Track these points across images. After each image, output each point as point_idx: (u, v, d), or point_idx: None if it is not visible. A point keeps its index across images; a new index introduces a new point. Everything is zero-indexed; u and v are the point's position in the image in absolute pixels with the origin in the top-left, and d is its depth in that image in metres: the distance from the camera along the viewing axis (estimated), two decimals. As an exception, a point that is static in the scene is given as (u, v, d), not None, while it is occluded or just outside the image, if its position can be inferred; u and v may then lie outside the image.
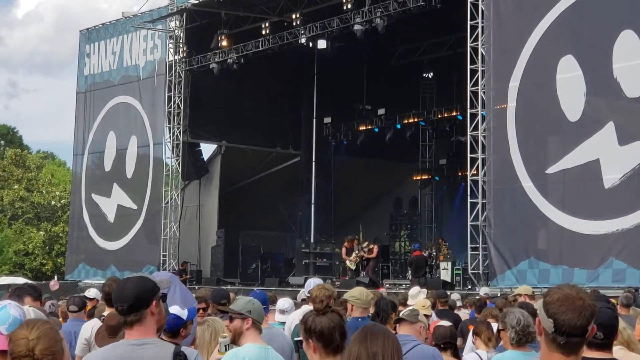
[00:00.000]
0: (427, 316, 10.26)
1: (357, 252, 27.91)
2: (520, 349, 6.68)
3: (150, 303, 4.41)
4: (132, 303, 4.39)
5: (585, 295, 3.62)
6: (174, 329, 6.36)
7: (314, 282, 9.73)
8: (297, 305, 11.62)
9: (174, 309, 6.38)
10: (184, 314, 6.46)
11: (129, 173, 34.01)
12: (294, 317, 9.38)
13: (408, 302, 12.33)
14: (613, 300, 5.44)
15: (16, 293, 7.00)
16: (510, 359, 6.73)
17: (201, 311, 9.29)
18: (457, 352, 8.35)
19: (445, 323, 9.02)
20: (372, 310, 9.33)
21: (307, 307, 9.43)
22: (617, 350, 5.34)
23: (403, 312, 7.69)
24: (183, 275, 29.62)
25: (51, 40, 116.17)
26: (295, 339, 5.07)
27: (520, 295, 12.69)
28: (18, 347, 3.67)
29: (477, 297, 14.27)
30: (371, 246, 28.17)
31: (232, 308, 6.24)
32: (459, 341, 10.16)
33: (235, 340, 6.28)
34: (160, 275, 6.80)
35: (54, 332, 3.76)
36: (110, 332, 6.67)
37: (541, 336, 3.66)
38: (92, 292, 11.74)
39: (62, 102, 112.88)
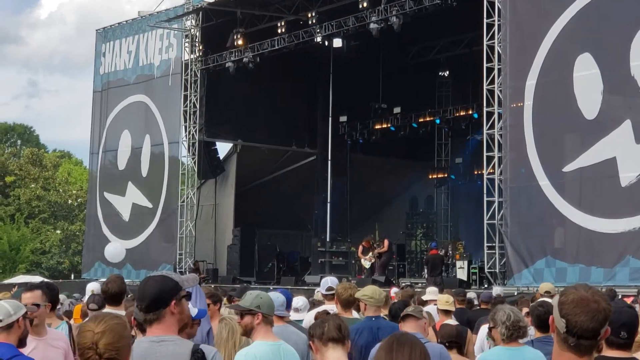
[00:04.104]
0: (449, 312, 10.23)
1: (372, 251, 28.06)
2: (510, 345, 6.64)
3: (169, 303, 4.41)
4: (150, 303, 4.40)
5: (601, 298, 3.57)
6: None
7: (331, 280, 9.69)
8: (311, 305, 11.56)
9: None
10: (193, 311, 6.47)
11: (144, 172, 34.09)
12: (313, 317, 9.29)
13: (425, 298, 12.33)
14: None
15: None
16: (494, 356, 6.71)
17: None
18: (462, 351, 8.34)
19: (453, 322, 9.02)
20: (385, 310, 9.30)
21: (328, 306, 9.39)
22: None
23: (408, 308, 7.70)
24: (197, 275, 29.63)
25: (72, 40, 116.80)
26: None
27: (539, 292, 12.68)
28: (83, 339, 3.66)
29: (495, 296, 14.23)
30: (383, 239, 28.40)
31: (240, 304, 6.24)
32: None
33: (247, 336, 6.28)
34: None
35: (122, 329, 3.73)
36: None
37: (554, 333, 3.63)
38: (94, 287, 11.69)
39: (80, 101, 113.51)
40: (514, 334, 6.62)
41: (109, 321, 3.69)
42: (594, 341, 3.56)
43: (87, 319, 4.35)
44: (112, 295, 7.68)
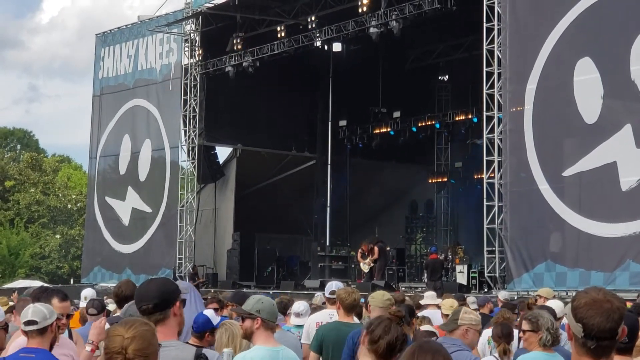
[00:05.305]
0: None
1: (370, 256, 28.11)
2: (545, 350, 6.71)
3: (174, 303, 4.44)
4: (158, 302, 4.41)
5: (613, 297, 3.57)
6: (202, 331, 6.39)
7: (336, 284, 9.65)
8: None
9: (208, 312, 6.41)
10: (215, 319, 6.51)
11: (142, 176, 34.07)
12: (314, 320, 9.26)
13: (422, 302, 12.31)
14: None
15: (43, 296, 6.99)
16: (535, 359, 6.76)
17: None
18: None
19: (430, 328, 9.06)
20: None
21: (329, 310, 9.37)
22: None
23: (445, 322, 7.68)
24: (196, 279, 29.63)
25: (73, 45, 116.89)
26: None
27: (540, 297, 12.65)
28: (112, 344, 3.65)
29: (504, 301, 14.32)
30: (371, 246, 28.23)
31: (242, 308, 6.26)
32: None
33: (248, 340, 6.30)
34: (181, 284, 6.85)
35: (151, 335, 3.70)
36: None
37: (571, 341, 3.60)
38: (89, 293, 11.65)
39: (80, 106, 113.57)
40: (554, 341, 6.71)
41: (139, 327, 3.67)
42: (613, 341, 3.56)
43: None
44: (125, 298, 7.66)
